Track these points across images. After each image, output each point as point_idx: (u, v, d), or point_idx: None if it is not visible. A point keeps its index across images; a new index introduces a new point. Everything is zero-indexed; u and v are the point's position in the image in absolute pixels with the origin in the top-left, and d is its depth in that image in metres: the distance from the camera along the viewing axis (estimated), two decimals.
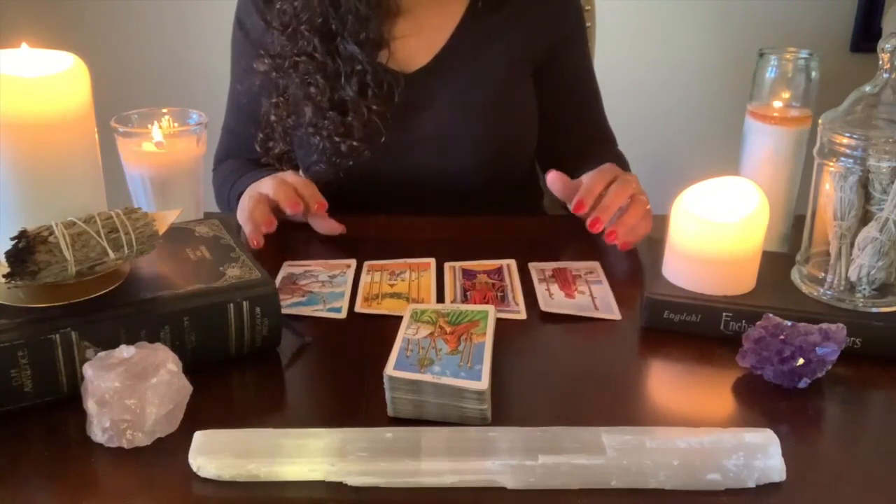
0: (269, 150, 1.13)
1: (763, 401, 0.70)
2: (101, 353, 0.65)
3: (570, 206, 0.96)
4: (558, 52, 1.17)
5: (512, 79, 1.14)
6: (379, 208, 1.10)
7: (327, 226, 0.99)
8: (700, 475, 0.59)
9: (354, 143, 1.07)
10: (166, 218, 0.74)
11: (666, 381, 0.76)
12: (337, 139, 1.07)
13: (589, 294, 0.87)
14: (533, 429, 0.62)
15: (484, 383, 0.64)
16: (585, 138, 1.21)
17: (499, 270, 0.92)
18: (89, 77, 0.69)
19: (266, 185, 0.98)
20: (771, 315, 0.73)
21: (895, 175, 0.74)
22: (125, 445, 0.62)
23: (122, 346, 0.65)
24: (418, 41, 1.12)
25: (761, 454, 0.60)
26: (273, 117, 1.11)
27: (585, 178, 0.97)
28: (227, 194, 1.10)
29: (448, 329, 0.72)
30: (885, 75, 0.76)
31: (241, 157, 1.17)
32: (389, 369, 0.66)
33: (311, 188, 0.99)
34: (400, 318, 0.75)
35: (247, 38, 1.16)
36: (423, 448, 0.60)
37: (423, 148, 1.11)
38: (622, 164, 1.18)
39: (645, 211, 0.95)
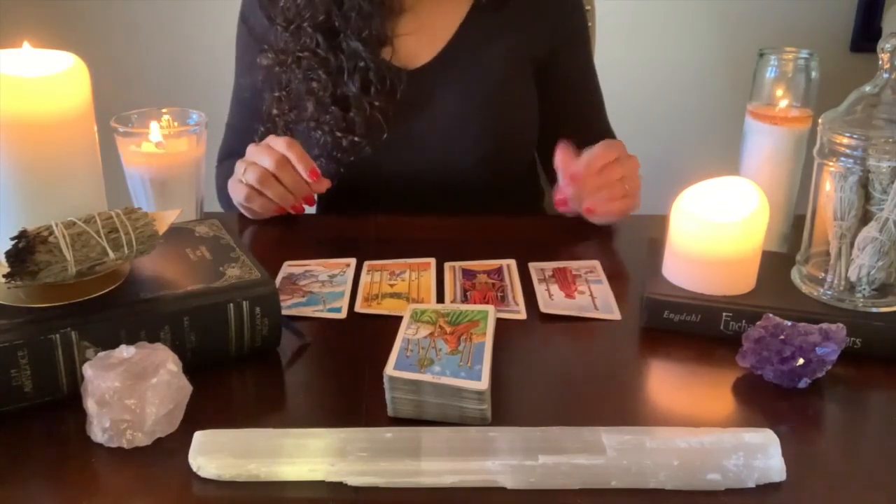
0: None
1: (763, 401, 0.70)
2: (101, 353, 0.65)
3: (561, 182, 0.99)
4: (560, 53, 1.17)
5: (513, 77, 1.14)
6: (380, 205, 1.10)
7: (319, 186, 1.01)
8: (700, 475, 0.59)
9: (356, 139, 1.07)
10: (166, 218, 0.74)
11: (666, 381, 0.76)
12: (338, 134, 1.08)
13: (589, 294, 0.87)
14: (533, 429, 0.62)
15: (484, 383, 0.64)
16: (584, 140, 1.21)
17: (499, 270, 0.92)
18: (89, 77, 0.69)
19: (259, 157, 0.99)
20: (771, 315, 0.73)
21: (895, 175, 0.74)
22: (125, 445, 0.62)
23: (122, 346, 0.65)
24: (421, 38, 1.12)
25: (761, 454, 0.60)
26: (275, 111, 1.12)
27: (587, 154, 0.98)
28: (229, 195, 1.10)
29: (448, 329, 0.72)
30: (885, 75, 0.76)
31: (244, 151, 1.18)
32: (389, 369, 0.66)
33: (297, 149, 0.99)
34: (400, 318, 0.75)
35: (251, 34, 1.17)
36: (423, 448, 0.60)
37: (424, 144, 1.11)
38: None
39: (623, 191, 0.98)
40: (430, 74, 1.11)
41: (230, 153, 1.22)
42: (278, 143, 0.99)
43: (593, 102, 1.24)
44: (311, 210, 1.15)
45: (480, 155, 1.11)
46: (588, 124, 1.22)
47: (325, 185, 1.01)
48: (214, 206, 1.18)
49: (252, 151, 1.00)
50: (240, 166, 1.00)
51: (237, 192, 1.01)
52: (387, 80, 1.08)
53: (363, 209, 1.10)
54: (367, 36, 1.08)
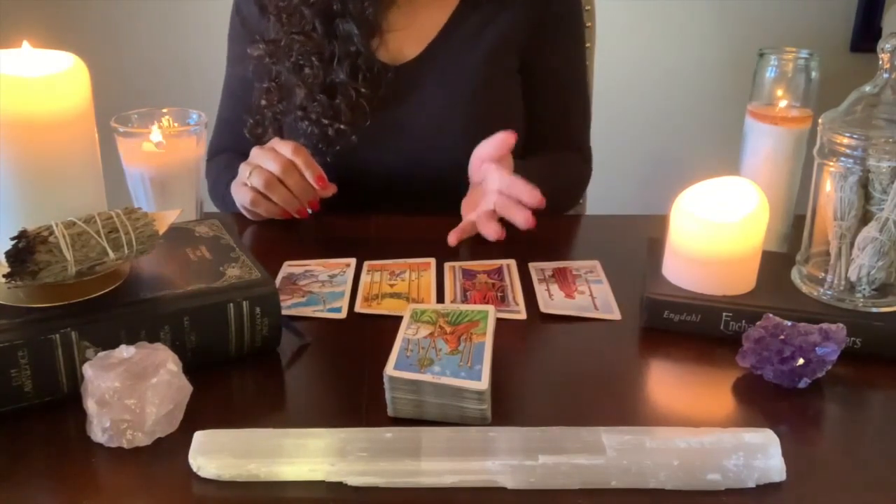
0: (259, 136, 1.13)
1: (763, 401, 0.70)
2: (101, 353, 0.65)
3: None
4: (544, 43, 1.17)
5: (498, 73, 1.15)
6: (369, 203, 1.10)
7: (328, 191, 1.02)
8: (700, 475, 0.59)
9: (341, 127, 1.08)
10: (166, 218, 0.74)
11: (666, 381, 0.76)
12: (325, 122, 1.08)
13: (589, 294, 0.87)
14: (533, 429, 0.62)
15: (484, 383, 0.64)
16: (552, 140, 1.21)
17: (499, 270, 0.92)
18: (89, 77, 0.69)
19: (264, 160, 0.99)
20: (771, 315, 0.73)
21: (895, 175, 0.74)
22: (125, 445, 0.62)
23: (122, 346, 0.65)
24: (410, 33, 1.13)
25: (761, 454, 0.60)
26: (264, 102, 1.12)
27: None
28: (223, 191, 1.11)
29: (448, 329, 0.72)
30: (885, 75, 0.76)
31: (235, 146, 1.18)
32: (389, 369, 0.66)
33: (304, 155, 0.99)
34: (400, 318, 0.75)
35: (243, 25, 1.17)
36: (423, 448, 0.60)
37: (411, 140, 1.11)
38: (565, 176, 1.21)
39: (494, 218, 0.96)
40: (416, 70, 1.12)
41: (221, 148, 1.22)
42: (284, 147, 0.99)
43: (570, 106, 1.23)
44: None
45: (466, 151, 1.11)
46: (558, 126, 1.21)
47: (331, 190, 1.01)
48: (215, 206, 1.18)
49: (257, 155, 1.00)
50: (244, 169, 1.00)
51: (241, 196, 1.01)
52: (375, 67, 1.10)
53: (351, 205, 1.10)
54: (365, 17, 1.08)
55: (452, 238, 0.97)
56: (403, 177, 1.11)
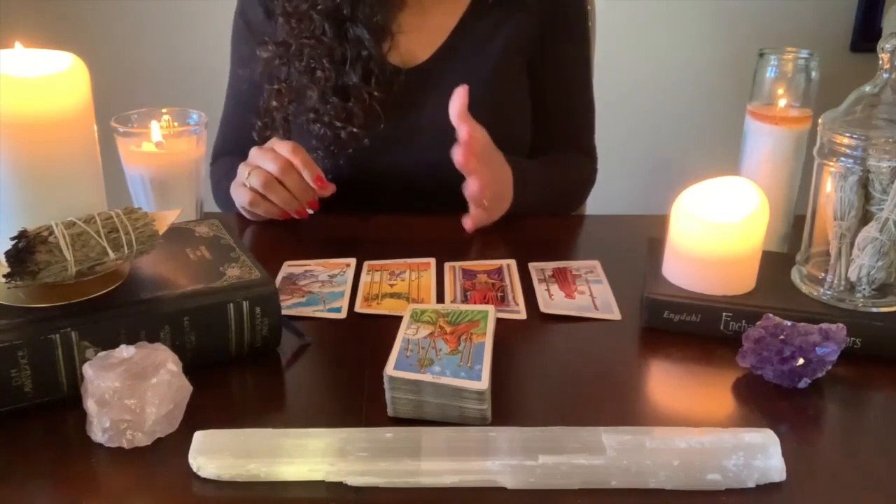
0: (267, 139, 1.13)
1: (763, 401, 0.70)
2: (101, 353, 0.65)
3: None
4: (550, 44, 1.17)
5: (508, 73, 1.15)
6: (379, 205, 1.10)
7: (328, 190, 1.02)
8: (700, 475, 0.59)
9: (354, 130, 1.08)
10: (166, 218, 0.74)
11: (666, 381, 0.76)
12: (338, 125, 1.08)
13: (589, 294, 0.87)
14: (533, 429, 0.62)
15: (484, 383, 0.64)
16: (557, 141, 1.21)
17: (499, 270, 0.92)
18: (89, 77, 0.69)
19: (263, 161, 0.99)
20: (771, 315, 0.73)
21: (895, 175, 0.74)
22: (125, 445, 0.62)
23: (122, 346, 0.65)
24: (421, 36, 1.13)
25: (761, 454, 0.60)
26: (274, 103, 1.12)
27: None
28: (226, 194, 1.11)
29: (448, 329, 0.72)
30: (885, 75, 0.76)
31: (240, 149, 1.18)
32: (389, 369, 0.66)
33: (302, 155, 0.99)
34: (400, 318, 0.75)
35: (248, 28, 1.17)
36: (423, 448, 0.60)
37: (421, 143, 1.11)
38: (569, 176, 1.21)
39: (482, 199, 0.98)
40: (426, 73, 1.12)
41: (225, 151, 1.22)
42: (283, 147, 0.98)
43: (576, 106, 1.23)
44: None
45: None
46: (563, 126, 1.22)
47: (330, 190, 1.01)
48: (215, 206, 1.18)
49: (256, 155, 1.00)
50: (243, 170, 1.00)
51: (240, 196, 1.01)
52: (387, 71, 1.10)
53: (360, 207, 1.10)
54: (375, 23, 1.08)
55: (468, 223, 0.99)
56: (416, 178, 1.11)
